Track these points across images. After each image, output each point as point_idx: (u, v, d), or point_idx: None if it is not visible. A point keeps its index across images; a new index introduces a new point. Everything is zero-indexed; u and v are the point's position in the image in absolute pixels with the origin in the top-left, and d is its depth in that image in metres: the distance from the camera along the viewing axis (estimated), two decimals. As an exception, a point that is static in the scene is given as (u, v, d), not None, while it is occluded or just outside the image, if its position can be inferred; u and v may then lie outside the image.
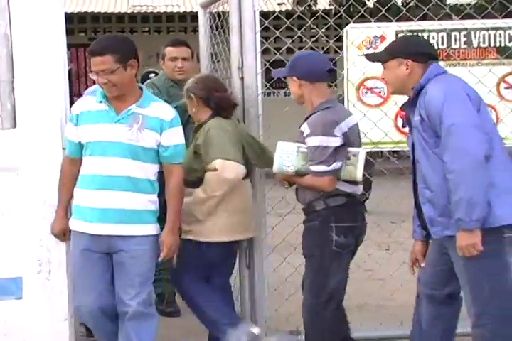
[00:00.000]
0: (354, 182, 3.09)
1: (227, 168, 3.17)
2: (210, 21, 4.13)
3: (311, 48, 6.10)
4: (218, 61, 4.00)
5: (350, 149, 3.02)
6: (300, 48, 4.97)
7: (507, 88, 3.73)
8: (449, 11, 4.01)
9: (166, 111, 3.04)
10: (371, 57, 3.06)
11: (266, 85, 3.99)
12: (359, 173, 3.05)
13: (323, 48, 5.17)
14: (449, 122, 2.60)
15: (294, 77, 3.08)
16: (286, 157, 3.07)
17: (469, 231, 2.56)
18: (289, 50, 5.26)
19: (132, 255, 2.98)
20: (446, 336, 2.95)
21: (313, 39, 5.46)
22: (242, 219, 3.34)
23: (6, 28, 3.24)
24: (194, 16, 5.31)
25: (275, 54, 3.86)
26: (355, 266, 4.84)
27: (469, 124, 2.60)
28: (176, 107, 4.13)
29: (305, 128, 3.04)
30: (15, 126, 3.30)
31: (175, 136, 3.00)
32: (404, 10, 3.73)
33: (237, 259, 3.76)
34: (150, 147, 2.96)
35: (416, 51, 2.81)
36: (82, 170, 3.07)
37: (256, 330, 3.26)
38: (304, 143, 3.04)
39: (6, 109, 3.32)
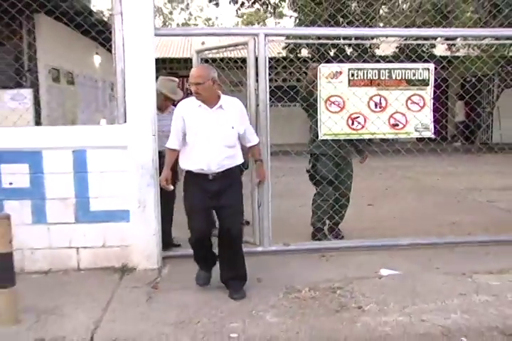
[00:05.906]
0: None
1: None
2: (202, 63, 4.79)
3: (297, 78, 7.18)
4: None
5: None
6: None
7: (412, 103, 4.51)
8: (379, 58, 4.93)
9: None
10: None
11: (271, 99, 4.52)
12: None
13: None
14: None
15: None
16: None
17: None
18: (285, 79, 6.52)
19: None
20: None
21: (299, 73, 6.23)
22: None
23: (122, 65, 4.01)
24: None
25: (276, 81, 4.76)
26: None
27: None
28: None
29: None
30: (125, 121, 3.98)
31: None
32: (353, 56, 4.72)
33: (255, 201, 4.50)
34: None
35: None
36: None
37: None
38: None
39: (120, 111, 4.02)
